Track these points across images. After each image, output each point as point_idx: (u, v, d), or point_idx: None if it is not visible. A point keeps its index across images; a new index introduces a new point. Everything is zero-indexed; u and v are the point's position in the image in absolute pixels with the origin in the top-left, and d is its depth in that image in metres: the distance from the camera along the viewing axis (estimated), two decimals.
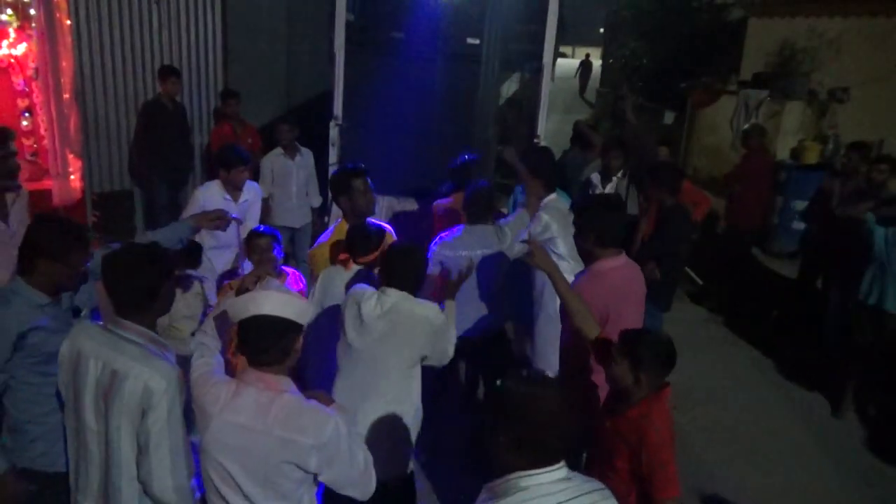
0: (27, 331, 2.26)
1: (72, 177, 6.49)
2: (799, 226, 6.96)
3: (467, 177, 4.23)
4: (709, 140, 10.01)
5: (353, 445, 2.03)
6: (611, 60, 19.46)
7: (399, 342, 2.72)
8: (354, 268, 3.23)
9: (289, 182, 5.70)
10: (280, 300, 1.99)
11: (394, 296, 2.72)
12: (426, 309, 2.74)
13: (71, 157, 6.44)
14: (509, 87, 5.98)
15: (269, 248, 3.34)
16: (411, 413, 2.81)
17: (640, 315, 3.01)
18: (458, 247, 3.64)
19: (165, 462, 2.03)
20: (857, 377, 4.81)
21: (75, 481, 2.20)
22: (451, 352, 2.90)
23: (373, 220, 3.52)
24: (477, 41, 5.41)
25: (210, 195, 4.47)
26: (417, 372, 2.83)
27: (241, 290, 2.16)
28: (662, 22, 13.34)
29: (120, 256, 2.15)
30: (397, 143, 5.18)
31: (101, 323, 2.23)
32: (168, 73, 6.10)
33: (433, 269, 3.58)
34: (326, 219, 5.78)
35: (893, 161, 5.24)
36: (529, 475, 1.62)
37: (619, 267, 2.93)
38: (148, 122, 6.14)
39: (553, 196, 4.02)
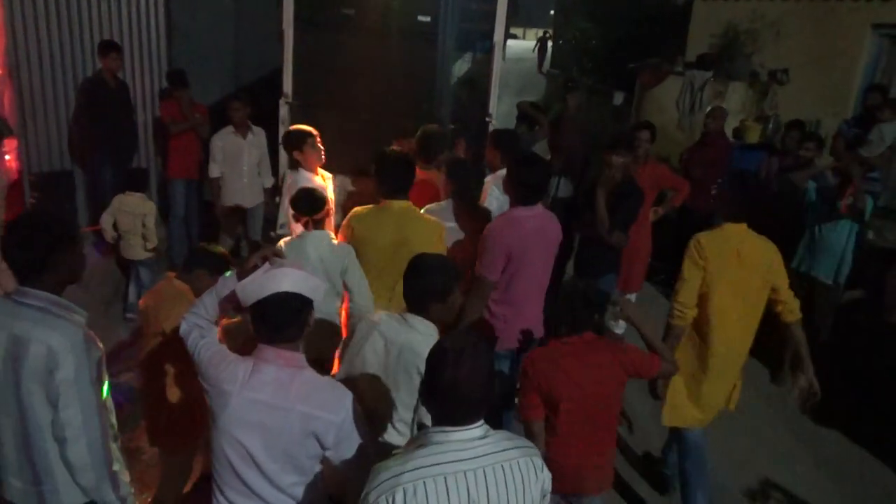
0: None
1: (7, 157, 6.19)
2: None
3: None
4: (656, 120, 10.13)
5: (358, 427, 2.05)
6: (561, 42, 19.62)
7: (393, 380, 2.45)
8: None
9: (240, 161, 5.59)
10: (296, 277, 2.02)
11: (410, 331, 2.39)
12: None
13: None
14: (461, 67, 5.97)
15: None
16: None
17: (550, 258, 3.44)
18: (446, 219, 3.60)
19: (76, 421, 2.03)
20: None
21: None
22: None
23: None
24: (428, 19, 5.39)
25: (305, 183, 4.05)
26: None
27: (247, 271, 2.13)
28: (611, 3, 13.53)
29: (16, 224, 2.15)
30: (349, 121, 5.14)
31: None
32: (108, 48, 5.82)
33: None
34: (278, 199, 5.69)
35: (820, 139, 5.60)
36: (445, 431, 1.71)
37: (533, 216, 3.31)
38: (89, 100, 5.88)
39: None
